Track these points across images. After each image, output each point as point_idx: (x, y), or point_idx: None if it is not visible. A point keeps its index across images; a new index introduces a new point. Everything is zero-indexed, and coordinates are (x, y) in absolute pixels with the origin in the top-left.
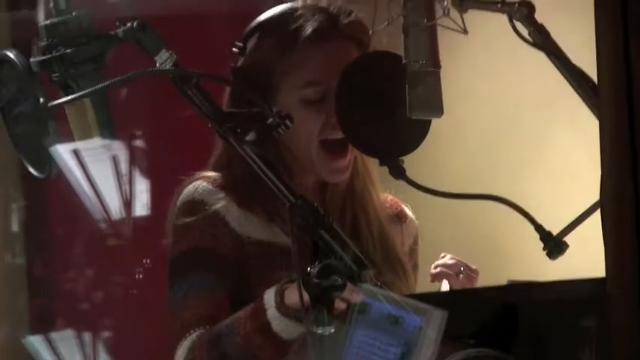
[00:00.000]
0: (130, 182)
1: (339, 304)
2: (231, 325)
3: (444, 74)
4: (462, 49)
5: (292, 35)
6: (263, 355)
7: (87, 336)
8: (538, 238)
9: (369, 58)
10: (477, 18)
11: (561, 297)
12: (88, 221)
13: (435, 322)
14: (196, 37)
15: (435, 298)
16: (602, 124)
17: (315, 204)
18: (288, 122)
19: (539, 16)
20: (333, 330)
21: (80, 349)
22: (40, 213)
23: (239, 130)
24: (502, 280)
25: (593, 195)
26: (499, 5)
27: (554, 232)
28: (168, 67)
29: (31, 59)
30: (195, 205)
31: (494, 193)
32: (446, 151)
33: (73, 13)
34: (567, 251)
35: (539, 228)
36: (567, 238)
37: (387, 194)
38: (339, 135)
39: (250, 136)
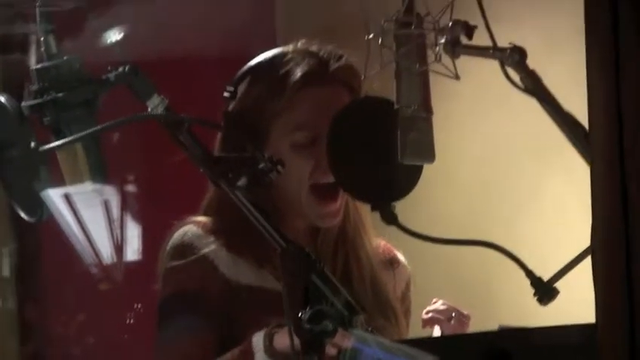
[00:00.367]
0: (122, 227)
1: (330, 350)
2: None
3: (436, 120)
4: (454, 94)
5: (282, 80)
6: None
7: None
8: (529, 284)
9: (361, 103)
10: (469, 64)
11: (552, 342)
12: (80, 266)
13: None
14: (188, 81)
15: (425, 344)
16: (593, 171)
17: (306, 249)
18: (279, 167)
19: (531, 62)
20: None
21: None
22: (31, 257)
23: (230, 175)
24: (493, 326)
25: (585, 241)
26: (491, 51)
27: (546, 277)
28: (159, 111)
29: (23, 103)
30: (184, 248)
31: (487, 238)
32: (438, 196)
33: (65, 57)
34: (558, 297)
35: (529, 274)
36: (558, 284)
37: (380, 240)
38: (330, 179)
39: (242, 181)
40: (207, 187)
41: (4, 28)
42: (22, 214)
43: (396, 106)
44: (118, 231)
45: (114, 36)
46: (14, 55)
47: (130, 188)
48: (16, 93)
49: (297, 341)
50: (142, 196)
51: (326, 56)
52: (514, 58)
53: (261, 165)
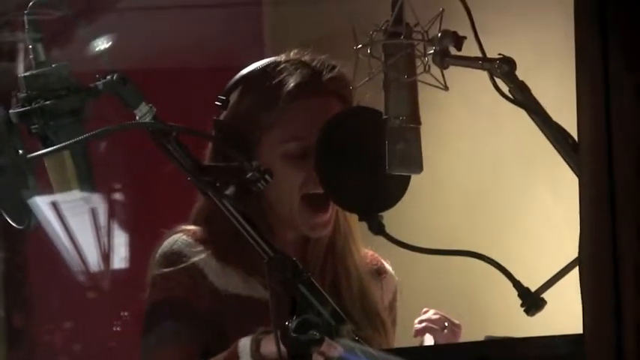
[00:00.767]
0: (109, 235)
1: (317, 359)
2: None
3: (425, 130)
4: (442, 105)
5: (275, 90)
6: None
7: None
8: (516, 295)
9: (349, 113)
10: (457, 74)
11: (539, 353)
12: (67, 274)
13: None
14: (175, 90)
15: (412, 354)
16: (581, 183)
17: (294, 258)
18: (267, 177)
19: (521, 75)
20: None
21: None
22: (18, 265)
23: (218, 185)
24: (480, 336)
25: (572, 251)
26: (480, 62)
27: (533, 288)
28: (147, 120)
29: (11, 111)
30: (173, 256)
31: (474, 249)
32: (426, 207)
33: (53, 65)
34: (546, 308)
35: (517, 284)
36: (546, 295)
37: (368, 250)
38: (321, 190)
39: (230, 191)
40: (196, 196)
41: None
42: (10, 222)
43: (384, 117)
44: (105, 239)
45: (102, 44)
46: (2, 62)
47: (118, 197)
48: (3, 101)
49: (283, 350)
50: (129, 204)
51: (319, 66)
52: (503, 69)
53: (249, 174)
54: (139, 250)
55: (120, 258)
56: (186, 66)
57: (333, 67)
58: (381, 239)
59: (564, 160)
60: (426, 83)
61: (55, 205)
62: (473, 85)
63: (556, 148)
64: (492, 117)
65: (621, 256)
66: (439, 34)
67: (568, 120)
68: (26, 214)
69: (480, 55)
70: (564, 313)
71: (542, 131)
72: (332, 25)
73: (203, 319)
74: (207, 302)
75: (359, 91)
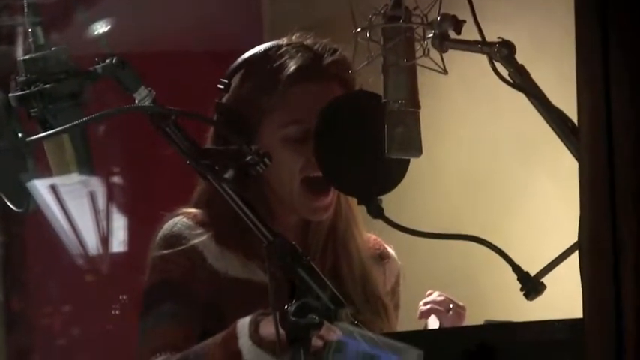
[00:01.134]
0: (108, 218)
1: (316, 342)
2: (199, 351)
3: (424, 114)
4: (441, 89)
5: (276, 73)
6: None
7: None
8: (516, 279)
9: (348, 97)
10: (457, 58)
11: (538, 337)
12: (66, 257)
13: None
14: (175, 74)
15: (411, 337)
16: (581, 167)
17: (293, 242)
18: (266, 160)
19: (520, 60)
20: None
21: None
22: (17, 249)
23: (217, 168)
24: (479, 320)
25: (572, 236)
26: (479, 46)
27: (532, 272)
28: (146, 103)
29: (10, 94)
30: (173, 238)
31: (474, 233)
32: (425, 191)
33: (52, 49)
34: (545, 292)
35: (516, 268)
36: (545, 279)
37: (371, 234)
38: (321, 173)
39: (229, 174)
40: (196, 179)
41: None
42: (10, 205)
43: (383, 101)
44: (104, 222)
45: (101, 28)
46: (1, 46)
47: (117, 180)
48: (3, 84)
49: (282, 333)
50: (128, 188)
51: (320, 50)
52: (502, 52)
53: (249, 158)
54: (137, 233)
55: (118, 241)
56: (184, 49)
57: (335, 51)
58: (381, 224)
59: (564, 144)
60: (426, 67)
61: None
62: (472, 70)
63: (556, 132)
64: (492, 101)
65: (621, 240)
66: (438, 18)
67: (567, 105)
68: (25, 197)
69: (479, 39)
70: (564, 298)
71: (542, 115)
72: (331, 8)
73: (201, 301)
74: (206, 285)
75: (362, 75)
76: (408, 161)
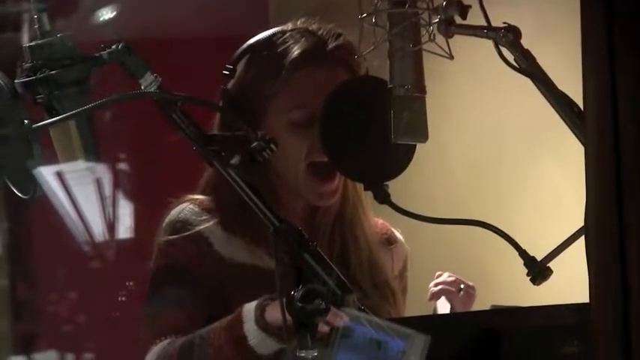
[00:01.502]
0: (114, 205)
1: (323, 328)
2: (205, 335)
3: (430, 99)
4: (447, 74)
5: (280, 58)
6: None
7: (70, 358)
8: (522, 264)
9: (354, 82)
10: (462, 43)
11: (545, 322)
12: (72, 243)
13: (417, 346)
14: (181, 60)
15: (418, 323)
16: (587, 151)
17: (299, 228)
18: (272, 146)
19: (525, 44)
20: (316, 354)
21: None
22: (23, 235)
23: (223, 154)
24: (486, 305)
25: (578, 221)
26: (485, 31)
27: (539, 257)
28: (152, 90)
29: (16, 81)
30: (179, 224)
31: (480, 218)
32: (431, 176)
33: (58, 35)
34: (552, 277)
35: (523, 253)
36: (552, 264)
37: (378, 219)
38: (326, 158)
39: (235, 160)
40: (202, 166)
41: None
42: (16, 192)
43: (389, 86)
44: (110, 209)
45: (107, 14)
46: (7, 32)
47: (123, 167)
48: (9, 71)
49: (289, 318)
50: (134, 174)
51: (325, 35)
52: (508, 37)
53: (254, 144)
54: (143, 220)
55: (125, 228)
56: (190, 35)
57: (339, 36)
58: (388, 209)
59: (570, 128)
60: (431, 52)
61: (60, 175)
62: (478, 55)
63: (561, 117)
64: (498, 86)
65: (627, 224)
66: (444, 3)
67: (572, 89)
68: (31, 183)
69: (484, 24)
70: (570, 282)
71: (548, 100)
72: None
73: (207, 287)
74: (212, 270)
75: (367, 60)
76: (415, 146)
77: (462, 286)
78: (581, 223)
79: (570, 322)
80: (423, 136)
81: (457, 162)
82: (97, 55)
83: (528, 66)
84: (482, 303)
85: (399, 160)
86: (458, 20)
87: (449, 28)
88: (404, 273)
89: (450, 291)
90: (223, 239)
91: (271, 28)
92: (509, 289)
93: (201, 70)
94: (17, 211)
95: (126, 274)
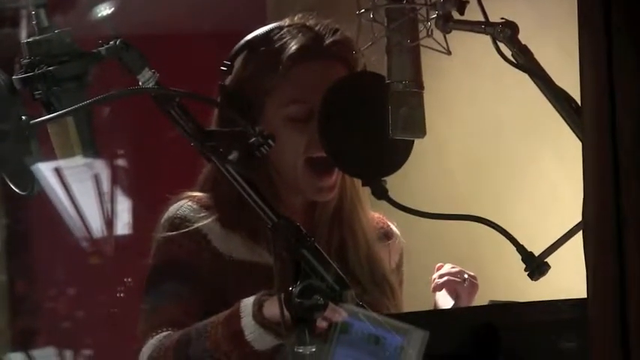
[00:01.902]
0: (112, 201)
1: (321, 324)
2: (201, 329)
3: (427, 95)
4: (445, 69)
5: (277, 53)
6: None
7: (68, 354)
8: (520, 259)
9: (352, 78)
10: (460, 39)
11: (542, 318)
12: (70, 239)
13: (416, 341)
14: (180, 56)
15: (416, 318)
16: (585, 146)
17: (298, 224)
18: (270, 141)
19: (523, 40)
20: (314, 349)
21: None
22: (21, 231)
23: (221, 150)
24: (484, 301)
25: (576, 216)
26: (482, 26)
27: (537, 253)
28: (150, 85)
29: (14, 77)
30: (178, 221)
31: (478, 214)
32: (429, 172)
33: (56, 31)
34: (549, 272)
35: (520, 249)
36: (549, 259)
37: (375, 213)
38: (325, 153)
39: (233, 156)
40: (200, 162)
41: None
42: (14, 188)
43: (387, 81)
44: (108, 205)
45: (105, 10)
46: (5, 28)
47: (122, 163)
48: (7, 67)
49: (286, 314)
50: (133, 170)
51: (322, 30)
52: (506, 33)
53: (253, 139)
54: (142, 216)
55: (123, 224)
56: (188, 31)
57: (336, 31)
58: (385, 204)
59: (567, 124)
60: (429, 48)
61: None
62: (476, 50)
63: (559, 112)
64: (495, 82)
65: (625, 219)
66: None
67: (570, 85)
68: (29, 179)
69: (482, 19)
70: (568, 278)
71: (545, 95)
72: None
73: (205, 283)
74: (211, 267)
75: (365, 55)
76: (412, 142)
77: (466, 276)
78: (579, 218)
79: (568, 318)
80: (421, 132)
81: (455, 157)
82: (94, 51)
83: (526, 61)
84: (480, 298)
85: (397, 155)
86: (455, 16)
87: (446, 24)
88: (401, 266)
89: (455, 281)
90: (222, 236)
91: (269, 23)
92: (507, 284)
93: (198, 65)
94: (15, 207)
95: (124, 270)
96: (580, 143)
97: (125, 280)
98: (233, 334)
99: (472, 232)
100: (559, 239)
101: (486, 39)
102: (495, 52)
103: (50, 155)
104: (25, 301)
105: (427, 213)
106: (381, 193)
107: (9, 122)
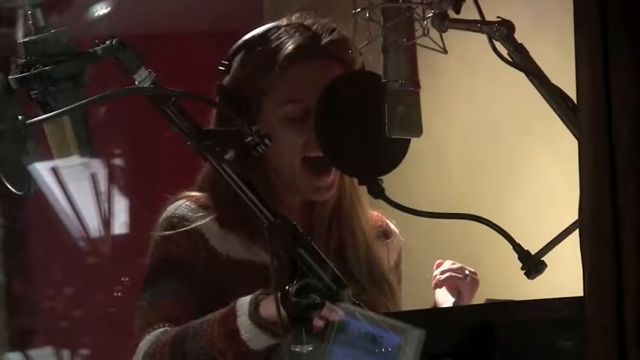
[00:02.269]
0: (110, 200)
1: (318, 323)
2: (198, 327)
3: (424, 94)
4: (441, 68)
5: (274, 53)
6: None
7: (66, 353)
8: (516, 258)
9: (348, 77)
10: (456, 38)
11: (539, 316)
12: (67, 239)
13: (413, 340)
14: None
15: (413, 317)
16: (581, 145)
17: (294, 223)
18: (266, 141)
19: (519, 38)
20: (310, 348)
21: None
22: (19, 231)
23: (217, 149)
24: (480, 299)
25: (572, 214)
26: (479, 25)
27: (533, 251)
28: (146, 85)
29: (10, 76)
30: (175, 220)
31: (474, 212)
32: (425, 170)
33: (52, 31)
34: (546, 270)
35: (517, 247)
36: (546, 258)
37: (373, 211)
38: (322, 153)
39: (229, 155)
40: (197, 161)
41: None
42: (10, 188)
43: (383, 80)
44: (105, 205)
45: (101, 10)
46: (2, 28)
47: (119, 162)
48: (3, 67)
49: (283, 313)
50: (130, 170)
51: (319, 29)
52: (502, 31)
53: (249, 139)
54: (139, 215)
55: (120, 223)
56: (184, 31)
57: (333, 30)
58: (382, 203)
59: (564, 122)
60: (425, 47)
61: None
62: (472, 49)
63: (555, 111)
64: (492, 80)
65: (621, 217)
66: None
67: (566, 83)
68: (26, 179)
69: (478, 18)
70: (564, 276)
71: (542, 94)
72: None
73: (202, 281)
74: (209, 266)
75: (362, 55)
76: (409, 141)
77: (467, 272)
78: (575, 217)
79: (565, 316)
80: (418, 131)
81: (451, 156)
82: (91, 50)
83: (522, 60)
84: (476, 297)
85: (394, 154)
86: (452, 14)
87: (443, 23)
88: (399, 265)
89: (457, 277)
90: (220, 235)
91: (266, 23)
92: (504, 282)
93: (195, 65)
94: (12, 207)
95: (121, 269)
96: (576, 142)
97: (122, 279)
98: (228, 333)
99: (469, 231)
100: (555, 238)
101: (482, 38)
102: (492, 51)
103: (47, 155)
104: (23, 301)
105: (424, 212)
106: (377, 192)
107: (5, 122)
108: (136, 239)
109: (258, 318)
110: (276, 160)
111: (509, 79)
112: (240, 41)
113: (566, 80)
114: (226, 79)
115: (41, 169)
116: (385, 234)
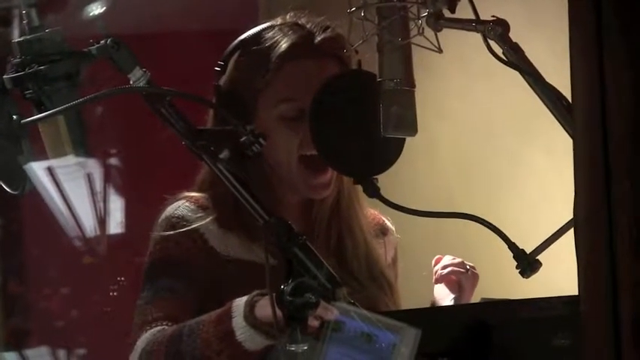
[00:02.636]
0: (105, 200)
1: (313, 322)
2: (194, 327)
3: (419, 93)
4: (436, 68)
5: (268, 52)
6: None
7: (62, 353)
8: (511, 257)
9: (343, 76)
10: (451, 37)
11: (535, 315)
12: (63, 239)
13: (409, 339)
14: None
15: (409, 316)
16: (575, 144)
17: (289, 222)
18: (261, 140)
19: (514, 37)
20: (306, 348)
21: None
22: (14, 231)
23: (212, 148)
24: (476, 298)
25: (567, 213)
26: (473, 24)
27: (528, 250)
28: (141, 84)
29: (5, 76)
30: (175, 220)
31: (469, 212)
32: (420, 169)
33: (47, 30)
34: (541, 269)
35: (512, 246)
36: (541, 257)
37: (369, 209)
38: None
39: (224, 154)
40: (194, 161)
41: None
42: (5, 187)
43: (378, 80)
44: (101, 204)
45: (96, 9)
46: None
47: (114, 162)
48: None
49: (279, 313)
50: (125, 170)
51: (313, 28)
52: (497, 31)
53: (244, 138)
54: (135, 215)
55: (116, 223)
56: (180, 30)
57: (327, 28)
58: (377, 202)
59: (558, 121)
60: (420, 46)
61: (50, 171)
62: (467, 48)
63: (550, 110)
64: (487, 79)
65: (616, 216)
66: None
67: (561, 82)
68: (21, 179)
69: (473, 17)
70: (559, 275)
71: (536, 93)
72: None
73: (201, 281)
74: (207, 266)
75: (358, 53)
76: (404, 140)
77: (468, 266)
78: (570, 216)
79: (560, 315)
80: (413, 130)
81: (446, 155)
82: (85, 50)
83: (517, 59)
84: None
85: (389, 153)
86: (447, 14)
87: (438, 22)
88: (396, 261)
89: (459, 272)
90: (219, 236)
91: (261, 22)
92: (499, 281)
93: (190, 64)
94: (8, 207)
95: (117, 269)
96: (571, 140)
97: (118, 279)
98: (224, 334)
99: (464, 230)
100: (550, 237)
101: (477, 37)
102: (486, 50)
103: (42, 154)
104: (18, 301)
105: (419, 211)
106: (372, 192)
107: (0, 121)
108: (131, 239)
109: (253, 319)
110: (274, 159)
111: (504, 78)
112: (236, 41)
113: (560, 79)
114: (222, 80)
115: (36, 169)
116: (382, 231)
